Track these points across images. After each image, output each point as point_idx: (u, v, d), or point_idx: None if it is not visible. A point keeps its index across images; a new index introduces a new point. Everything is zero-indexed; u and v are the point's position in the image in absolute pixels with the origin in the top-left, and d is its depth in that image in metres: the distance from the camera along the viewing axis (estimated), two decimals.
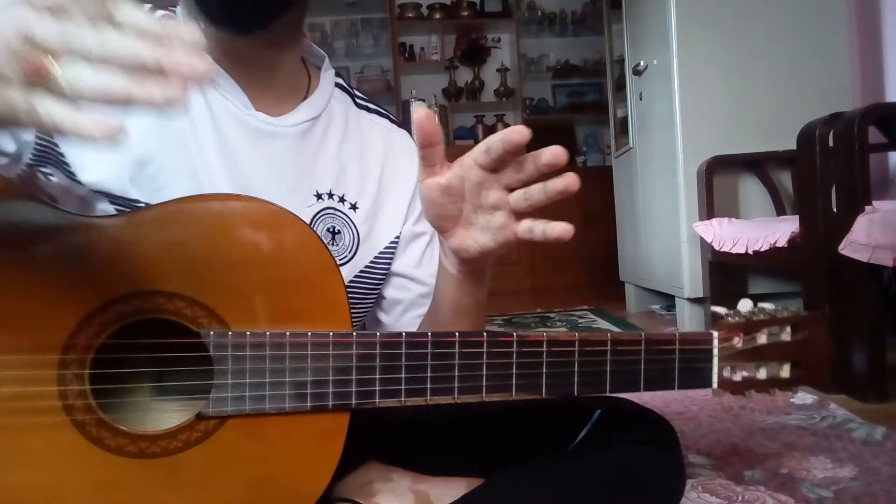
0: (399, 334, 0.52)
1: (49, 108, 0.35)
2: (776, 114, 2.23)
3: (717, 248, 1.94)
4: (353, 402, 0.51)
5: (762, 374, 0.61)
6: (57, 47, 0.35)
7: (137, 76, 0.35)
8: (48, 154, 0.57)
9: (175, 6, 0.66)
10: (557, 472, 0.60)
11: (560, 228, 0.50)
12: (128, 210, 0.57)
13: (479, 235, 0.54)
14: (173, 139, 0.60)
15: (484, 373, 0.53)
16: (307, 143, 0.67)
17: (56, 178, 0.57)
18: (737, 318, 0.61)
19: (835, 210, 1.38)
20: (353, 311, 0.70)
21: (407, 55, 4.34)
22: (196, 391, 0.50)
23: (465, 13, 4.33)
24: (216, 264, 0.49)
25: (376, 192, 0.72)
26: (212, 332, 0.48)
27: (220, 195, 0.55)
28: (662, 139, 2.52)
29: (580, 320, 2.87)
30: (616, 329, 2.61)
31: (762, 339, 0.61)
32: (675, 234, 2.43)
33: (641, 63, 2.71)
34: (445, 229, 0.55)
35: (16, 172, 0.56)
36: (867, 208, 1.30)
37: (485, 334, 0.53)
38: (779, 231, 1.63)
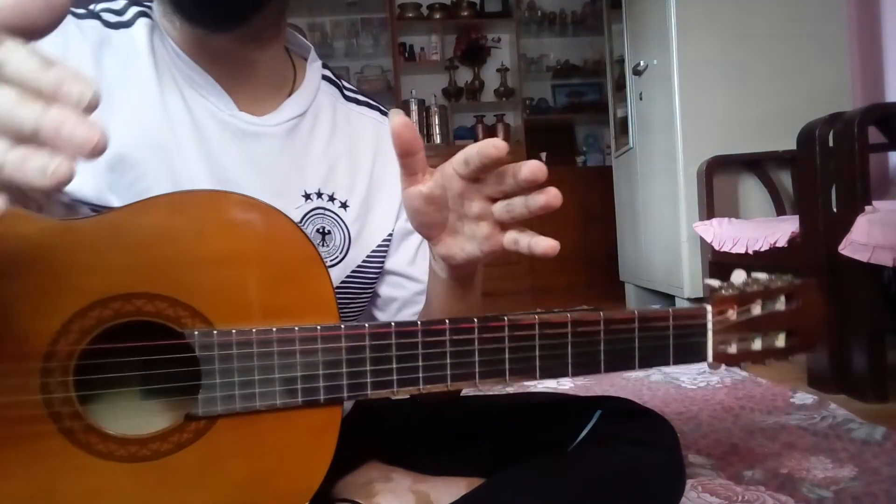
0: (388, 324, 0.51)
1: None
2: (776, 114, 2.24)
3: (717, 248, 1.94)
4: (346, 394, 0.50)
5: (757, 345, 0.61)
6: None
7: (10, 143, 0.29)
8: None
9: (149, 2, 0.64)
10: (558, 473, 0.60)
11: (545, 244, 0.48)
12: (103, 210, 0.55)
13: (465, 244, 0.53)
14: (151, 144, 0.58)
15: (476, 359, 0.52)
16: (293, 141, 0.65)
17: None
18: (730, 291, 0.60)
19: (835, 210, 1.38)
20: (347, 310, 0.70)
21: (407, 55, 4.33)
22: (184, 392, 0.49)
23: (465, 13, 4.33)
24: (195, 262, 0.48)
25: (367, 188, 0.70)
26: (196, 332, 0.47)
27: (195, 191, 0.53)
28: (662, 139, 2.52)
29: None
30: None
31: (756, 310, 0.60)
32: (675, 234, 2.43)
33: (641, 63, 2.71)
34: (431, 237, 0.54)
35: None
36: (867, 208, 1.30)
37: (475, 319, 0.52)
38: (779, 231, 1.63)
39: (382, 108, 0.76)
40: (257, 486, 0.50)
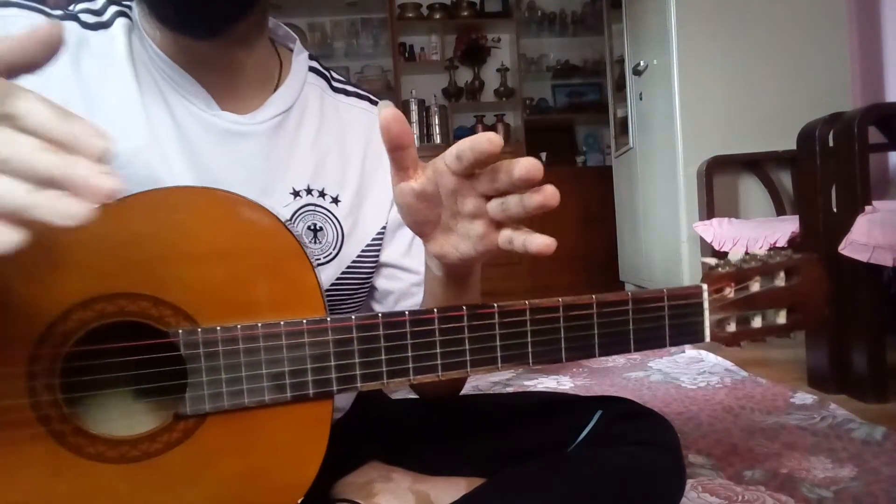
0: (376, 315, 0.50)
1: None
2: (776, 114, 2.24)
3: (717, 248, 1.94)
4: (335, 388, 0.50)
5: (757, 322, 0.60)
6: None
7: (31, 187, 0.31)
8: None
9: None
10: (558, 473, 0.60)
11: (540, 242, 0.45)
12: None
13: (459, 243, 0.50)
14: (133, 148, 0.57)
15: (467, 347, 0.52)
16: (280, 138, 0.64)
17: None
18: (727, 268, 0.59)
19: (835, 210, 1.38)
20: (345, 306, 0.70)
21: (407, 55, 4.33)
22: (172, 391, 0.49)
23: (465, 13, 4.33)
24: (177, 260, 0.47)
25: (358, 181, 0.69)
26: (181, 331, 0.47)
27: (174, 188, 0.51)
28: (662, 139, 2.52)
29: None
30: None
31: (755, 287, 0.59)
32: (675, 234, 2.43)
33: (641, 63, 2.71)
34: (425, 234, 0.52)
35: None
36: (867, 208, 1.30)
37: (464, 308, 0.52)
38: (779, 231, 1.63)
39: (372, 98, 0.75)
40: (250, 482, 0.49)
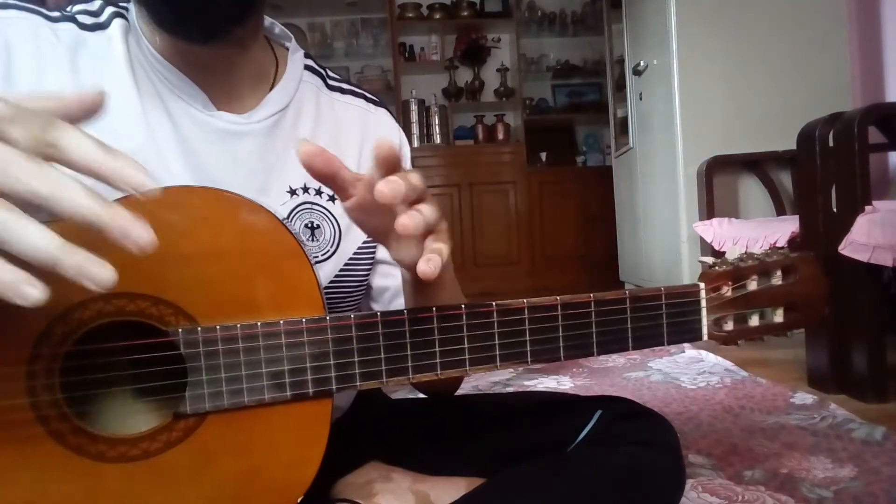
0: (374, 314, 0.50)
1: None
2: (776, 114, 2.24)
3: (717, 247, 1.94)
4: (334, 386, 0.50)
5: (754, 321, 0.60)
6: None
7: (64, 243, 0.32)
8: None
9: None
10: (558, 473, 0.60)
11: (423, 266, 0.44)
12: None
13: (411, 247, 0.51)
14: (131, 150, 0.56)
15: (466, 345, 0.52)
16: (276, 137, 0.64)
17: None
18: (724, 267, 0.59)
19: (835, 210, 1.38)
20: (344, 304, 0.70)
21: (407, 55, 4.33)
22: (172, 390, 0.49)
23: (465, 13, 4.33)
24: (176, 259, 0.47)
25: None
26: (180, 330, 0.47)
27: (173, 188, 0.51)
28: (662, 139, 2.52)
29: None
30: None
31: (752, 285, 0.59)
32: (675, 234, 2.43)
33: (641, 63, 2.71)
34: (381, 241, 0.53)
35: None
36: (867, 208, 1.30)
37: (463, 306, 0.52)
38: (779, 231, 1.63)
39: (368, 96, 0.75)
40: (250, 481, 0.49)
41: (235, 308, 0.49)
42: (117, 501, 0.47)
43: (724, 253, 0.62)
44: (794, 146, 1.53)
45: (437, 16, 4.31)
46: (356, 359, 0.50)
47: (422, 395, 0.79)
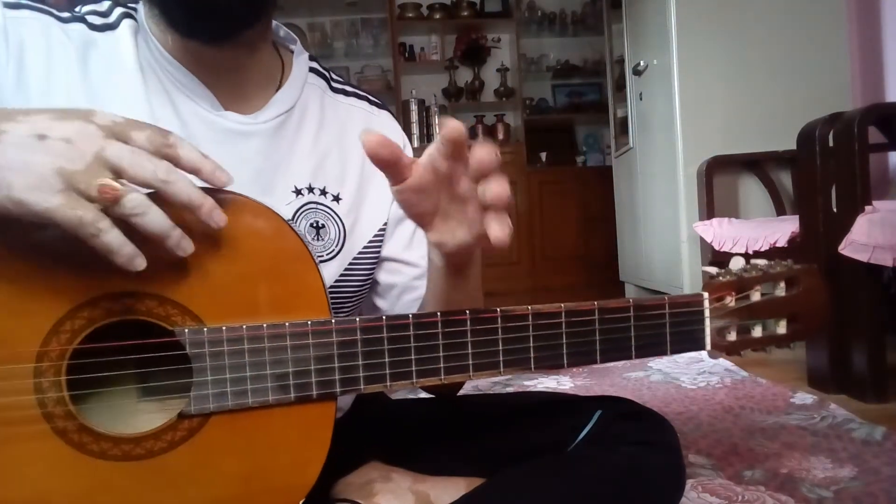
0: (380, 318, 0.51)
1: (107, 229, 0.41)
2: (776, 114, 2.24)
3: (717, 248, 1.94)
4: (338, 389, 0.50)
5: (757, 331, 0.60)
6: (125, 168, 0.42)
7: (170, 223, 0.43)
8: None
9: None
10: (558, 473, 0.60)
11: (495, 232, 0.46)
12: None
13: (456, 229, 0.51)
14: None
15: (469, 351, 0.52)
16: (281, 137, 0.65)
17: None
18: (728, 277, 0.59)
19: (835, 210, 1.38)
20: (348, 302, 0.70)
21: (407, 55, 4.33)
22: (177, 390, 0.49)
23: (465, 13, 4.33)
24: (184, 260, 0.47)
25: (358, 179, 0.70)
26: (186, 330, 0.47)
27: None
28: (662, 139, 2.52)
29: None
30: None
31: (756, 296, 0.59)
32: (675, 234, 2.43)
33: (641, 63, 2.71)
34: (425, 224, 0.53)
35: None
36: (867, 208, 1.30)
37: (467, 312, 0.52)
38: (779, 231, 1.63)
39: (371, 98, 0.76)
40: (252, 482, 0.49)
41: (241, 309, 0.49)
42: (120, 500, 0.47)
43: (727, 261, 0.62)
44: (794, 146, 1.52)
45: (437, 16, 4.31)
46: (360, 362, 0.50)
47: (422, 396, 0.79)
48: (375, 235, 0.71)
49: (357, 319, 0.50)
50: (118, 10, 0.62)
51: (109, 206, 0.41)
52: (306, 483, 0.50)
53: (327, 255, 0.67)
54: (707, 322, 0.58)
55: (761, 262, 0.61)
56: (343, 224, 0.68)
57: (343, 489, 0.67)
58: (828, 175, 1.40)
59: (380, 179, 0.70)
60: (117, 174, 0.42)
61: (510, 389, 1.65)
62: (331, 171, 0.68)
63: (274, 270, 0.50)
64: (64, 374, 0.45)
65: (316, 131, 0.68)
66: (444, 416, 0.75)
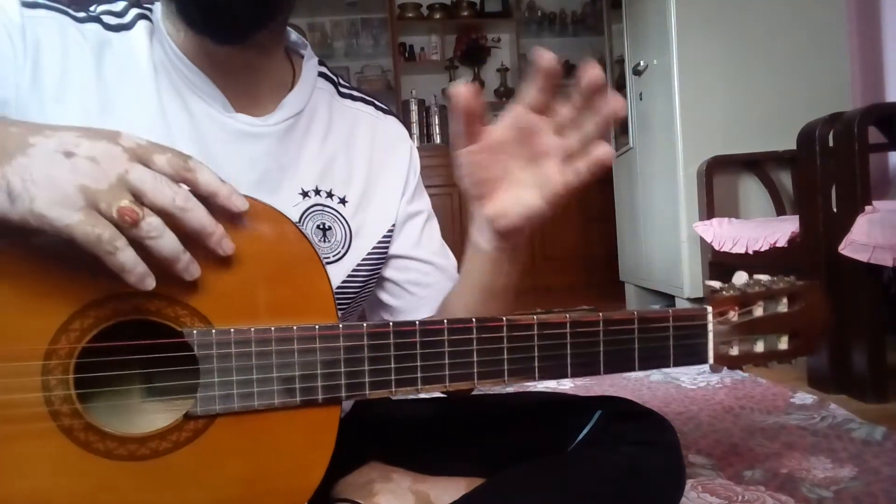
0: (386, 324, 0.51)
1: (122, 248, 0.42)
2: (776, 114, 2.24)
3: (717, 248, 1.94)
4: (343, 394, 0.50)
5: (759, 347, 0.60)
6: (146, 192, 0.43)
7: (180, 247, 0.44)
8: None
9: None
10: (558, 473, 0.60)
11: (602, 150, 0.50)
12: None
13: (524, 194, 0.53)
14: None
15: (475, 359, 0.52)
16: (290, 140, 0.66)
17: None
18: (731, 292, 0.60)
19: (835, 210, 1.38)
20: (352, 304, 0.70)
21: (407, 55, 4.33)
22: (183, 391, 0.49)
23: (465, 13, 4.33)
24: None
25: (365, 183, 0.71)
26: (195, 332, 0.47)
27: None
28: (662, 139, 2.52)
29: None
30: None
31: (758, 311, 0.60)
32: (675, 234, 2.43)
33: (641, 63, 2.71)
34: (484, 194, 0.55)
35: None
36: (867, 208, 1.30)
37: (474, 320, 0.52)
38: (779, 231, 1.63)
39: (377, 104, 0.77)
40: (256, 484, 0.50)
41: (250, 311, 0.49)
42: (123, 499, 0.47)
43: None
44: (794, 146, 1.52)
45: (437, 16, 4.31)
46: (366, 367, 0.51)
47: (422, 396, 0.79)
48: (382, 238, 0.71)
49: (364, 325, 0.51)
50: (134, 11, 0.63)
51: (126, 228, 0.42)
52: (309, 487, 0.51)
53: (333, 257, 0.67)
54: (710, 336, 0.59)
55: (764, 277, 0.62)
56: (349, 226, 0.68)
57: (343, 489, 0.67)
58: (828, 175, 1.40)
59: (385, 184, 0.73)
60: (137, 197, 0.43)
61: (510, 389, 1.64)
62: (337, 174, 0.69)
63: (283, 273, 0.50)
64: (72, 372, 0.45)
65: (324, 135, 0.69)
66: (444, 416, 0.75)
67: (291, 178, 0.65)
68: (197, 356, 0.47)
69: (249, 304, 0.49)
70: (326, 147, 0.69)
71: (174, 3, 0.58)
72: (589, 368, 0.55)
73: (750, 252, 1.74)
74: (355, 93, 0.76)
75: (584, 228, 4.11)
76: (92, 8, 0.62)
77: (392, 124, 0.76)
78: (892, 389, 1.34)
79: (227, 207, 0.47)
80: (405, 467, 0.70)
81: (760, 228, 1.74)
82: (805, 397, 1.40)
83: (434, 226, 0.78)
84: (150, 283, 0.44)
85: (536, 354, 0.54)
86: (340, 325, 0.50)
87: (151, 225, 0.43)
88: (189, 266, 0.45)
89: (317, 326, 0.50)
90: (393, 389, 0.51)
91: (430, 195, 0.80)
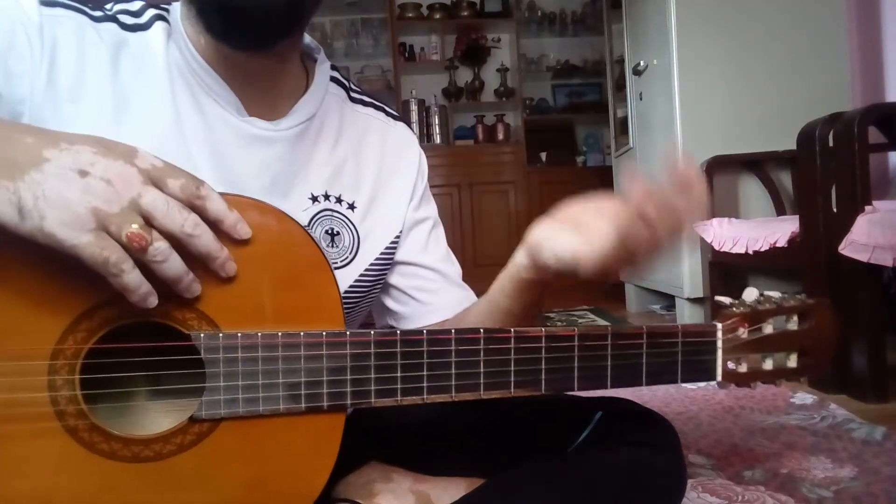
0: (394, 332, 0.51)
1: (128, 271, 0.42)
2: (776, 114, 2.23)
3: (717, 248, 1.94)
4: (349, 402, 0.50)
5: (768, 364, 0.60)
6: (157, 217, 0.43)
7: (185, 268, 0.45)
8: None
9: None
10: (558, 474, 0.60)
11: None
12: None
13: (579, 244, 0.53)
14: (163, 153, 0.57)
15: (482, 370, 0.52)
16: (301, 145, 0.66)
17: None
18: (741, 308, 0.59)
19: (835, 210, 1.38)
20: (355, 307, 0.70)
21: (407, 55, 4.33)
22: (189, 394, 0.49)
23: (465, 13, 4.33)
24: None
25: (373, 189, 0.71)
26: (202, 335, 0.47)
27: None
28: (662, 139, 2.52)
29: (580, 320, 2.87)
30: None
31: (768, 328, 0.59)
32: None
33: (641, 63, 2.71)
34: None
35: None
36: (867, 208, 1.30)
37: (482, 331, 0.52)
38: (779, 231, 1.63)
39: (388, 110, 0.77)
40: (258, 489, 0.50)
41: (258, 316, 0.49)
42: (126, 501, 0.47)
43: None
44: (794, 146, 1.52)
45: (437, 16, 4.31)
46: (372, 375, 0.51)
47: None
48: (389, 244, 0.72)
49: (371, 332, 0.51)
50: (151, 12, 0.63)
51: (134, 251, 0.42)
52: (312, 493, 0.51)
53: (341, 262, 0.67)
54: (719, 353, 0.58)
55: (775, 294, 0.62)
56: (357, 232, 0.69)
57: (343, 489, 0.67)
58: (828, 175, 1.40)
59: (394, 190, 0.73)
60: (148, 221, 0.43)
61: None
62: (347, 180, 0.69)
63: (292, 279, 0.50)
64: (78, 372, 0.45)
65: (334, 140, 0.69)
66: (444, 416, 0.75)
67: (302, 182, 0.66)
68: (203, 360, 0.47)
69: (258, 308, 0.49)
70: (337, 152, 0.69)
71: (195, 7, 0.58)
72: (596, 382, 0.55)
73: (750, 252, 1.74)
74: (366, 98, 0.76)
75: None
76: (108, 6, 0.62)
77: (402, 131, 0.77)
78: (892, 389, 1.34)
79: (232, 235, 0.48)
80: (405, 467, 0.70)
81: (760, 228, 1.74)
82: (805, 397, 1.40)
83: (440, 232, 0.78)
84: (153, 301, 0.44)
85: (544, 367, 0.54)
86: (348, 332, 0.50)
87: (158, 250, 0.43)
88: (191, 286, 0.46)
89: (324, 333, 0.50)
90: (399, 398, 0.51)
91: (429, 190, 0.80)
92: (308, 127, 0.66)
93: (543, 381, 0.54)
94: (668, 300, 2.77)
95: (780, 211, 2.26)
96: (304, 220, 0.65)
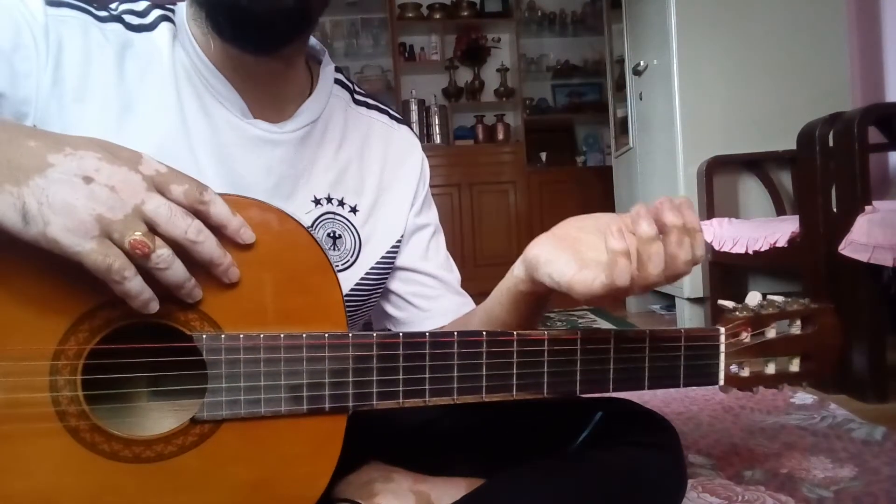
0: (396, 335, 0.51)
1: (131, 278, 0.43)
2: (776, 114, 2.24)
3: (717, 248, 1.94)
4: (351, 403, 0.50)
5: (771, 368, 0.60)
6: (160, 224, 0.43)
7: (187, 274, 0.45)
8: None
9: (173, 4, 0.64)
10: (558, 474, 0.60)
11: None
12: None
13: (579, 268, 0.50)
14: (168, 154, 0.57)
15: (484, 372, 0.52)
16: (306, 147, 0.66)
17: None
18: (745, 313, 0.59)
19: (835, 210, 1.38)
20: (360, 312, 0.70)
21: (407, 55, 4.33)
22: (191, 395, 0.49)
23: (465, 13, 4.32)
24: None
25: (376, 193, 0.71)
26: (204, 336, 0.47)
27: None
28: (662, 139, 2.52)
29: (580, 320, 2.87)
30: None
31: (771, 333, 0.59)
32: None
33: (641, 63, 2.71)
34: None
35: None
36: (867, 208, 1.30)
37: (484, 333, 0.52)
38: (779, 231, 1.63)
39: (391, 112, 0.77)
40: (259, 491, 0.49)
41: (260, 318, 0.49)
42: (127, 501, 0.47)
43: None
44: (794, 146, 1.52)
45: (437, 16, 4.30)
46: (374, 378, 0.51)
47: None
48: (390, 249, 0.72)
49: (374, 335, 0.51)
50: (156, 13, 0.63)
51: (136, 258, 0.43)
52: (313, 495, 0.51)
53: (342, 265, 0.67)
54: (722, 357, 0.58)
55: (778, 298, 0.61)
56: (359, 235, 0.69)
57: (343, 489, 0.67)
58: (828, 175, 1.40)
59: (396, 194, 0.73)
60: (151, 227, 0.43)
61: None
62: (350, 183, 0.69)
63: (295, 281, 0.50)
64: (80, 373, 0.45)
65: (338, 143, 0.69)
66: (444, 416, 0.75)
67: (305, 185, 0.66)
68: (205, 361, 0.47)
69: (260, 310, 0.49)
70: (340, 155, 0.69)
71: (203, 10, 0.58)
72: (597, 386, 0.55)
73: (750, 252, 1.74)
74: (370, 101, 0.76)
75: None
76: (113, 6, 0.62)
77: (405, 134, 0.77)
78: (892, 389, 1.33)
79: (235, 240, 0.48)
80: (406, 467, 0.70)
81: (760, 228, 1.74)
82: (805, 397, 1.40)
83: (440, 239, 0.78)
84: (154, 307, 0.45)
85: (546, 370, 0.54)
86: (350, 334, 0.50)
87: (161, 257, 0.43)
88: (192, 291, 0.47)
89: (326, 335, 0.50)
90: (401, 401, 0.51)
91: (430, 195, 0.80)
92: (312, 129, 0.66)
93: (546, 385, 0.54)
94: (669, 300, 2.77)
95: (780, 211, 2.26)
96: (307, 223, 0.64)
